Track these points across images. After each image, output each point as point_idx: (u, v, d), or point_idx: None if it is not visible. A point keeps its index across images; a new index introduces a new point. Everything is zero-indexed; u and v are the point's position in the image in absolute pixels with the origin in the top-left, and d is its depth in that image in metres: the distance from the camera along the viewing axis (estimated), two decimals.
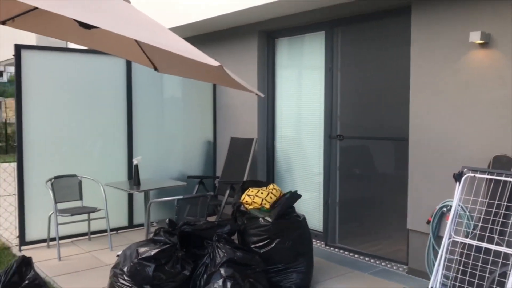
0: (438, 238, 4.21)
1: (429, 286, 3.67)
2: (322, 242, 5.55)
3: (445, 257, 3.68)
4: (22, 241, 5.34)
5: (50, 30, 4.22)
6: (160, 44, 2.48)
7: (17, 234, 5.36)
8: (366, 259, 5.05)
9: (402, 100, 4.68)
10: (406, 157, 4.60)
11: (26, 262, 2.69)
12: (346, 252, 5.27)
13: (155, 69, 4.45)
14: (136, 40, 4.06)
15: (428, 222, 4.29)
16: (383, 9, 4.81)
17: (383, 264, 4.89)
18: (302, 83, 5.89)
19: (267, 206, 4.20)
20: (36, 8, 3.75)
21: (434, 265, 3.88)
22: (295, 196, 4.27)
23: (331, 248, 5.43)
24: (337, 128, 5.42)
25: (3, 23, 3.96)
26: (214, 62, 2.59)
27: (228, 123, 6.75)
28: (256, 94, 3.70)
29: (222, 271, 3.47)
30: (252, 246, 4.02)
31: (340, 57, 5.37)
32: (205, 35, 6.92)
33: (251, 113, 6.29)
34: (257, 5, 5.16)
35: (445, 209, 4.18)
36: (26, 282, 2.65)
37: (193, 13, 6.06)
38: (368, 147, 5.17)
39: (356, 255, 5.16)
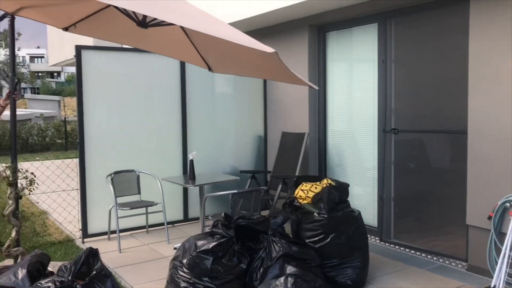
0: (500, 235, 4.06)
1: (492, 285, 3.56)
2: (377, 238, 5.48)
3: (509, 255, 3.55)
4: (85, 233, 5.60)
5: (108, 34, 4.40)
6: (218, 34, 2.53)
7: (80, 227, 5.62)
8: (423, 255, 4.94)
9: (460, 91, 4.53)
10: (465, 150, 4.45)
11: (94, 254, 2.83)
12: (401, 248, 5.18)
13: (209, 69, 4.52)
14: (191, 41, 4.15)
15: (489, 217, 4.14)
16: None
17: (440, 260, 4.77)
18: (354, 76, 5.82)
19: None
20: (95, 13, 3.92)
21: (496, 262, 3.76)
22: (340, 188, 4.21)
23: (386, 244, 5.35)
24: (391, 122, 5.32)
25: (66, 29, 4.16)
26: (269, 49, 2.61)
27: (279, 118, 6.78)
28: (310, 87, 3.70)
29: (278, 265, 3.51)
30: (307, 241, 4.03)
31: (394, 49, 5.26)
32: (254, 31, 6.96)
33: (302, 108, 6.28)
34: None
35: (508, 204, 4.02)
36: (94, 272, 2.78)
37: (243, 9, 6.11)
38: (424, 141, 5.04)
39: (412, 251, 5.06)
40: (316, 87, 3.75)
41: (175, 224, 6.24)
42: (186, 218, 6.35)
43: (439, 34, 4.80)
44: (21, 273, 2.90)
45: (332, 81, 6.10)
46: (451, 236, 4.80)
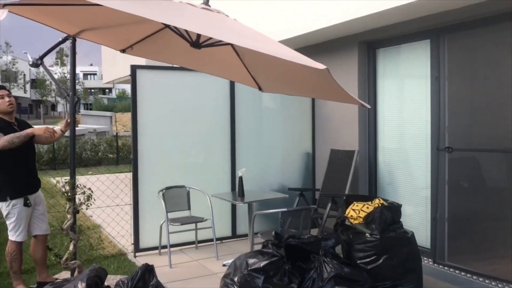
0: None
1: None
2: (430, 259, 5.31)
3: None
4: (137, 248, 5.73)
5: (163, 55, 4.55)
6: (271, 52, 2.56)
7: (132, 241, 5.76)
8: (480, 279, 4.74)
9: None
10: None
11: (149, 270, 2.90)
12: (456, 271, 4.99)
13: (259, 89, 4.57)
14: (242, 61, 4.22)
15: None
16: (493, 13, 4.53)
17: (499, 285, 4.55)
18: (406, 93, 5.72)
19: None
20: (151, 35, 4.06)
21: None
22: (393, 208, 4.12)
23: (440, 266, 5.17)
24: (445, 140, 5.17)
25: (123, 51, 4.34)
26: (320, 66, 2.61)
27: (327, 135, 6.73)
28: (362, 106, 3.66)
29: (329, 286, 3.46)
30: (358, 262, 3.96)
31: (448, 65, 5.14)
32: (302, 48, 6.99)
33: (352, 125, 6.22)
34: (359, 16, 5.11)
35: None
36: None
37: (292, 28, 6.16)
38: (479, 160, 4.87)
39: (468, 275, 4.86)
40: (368, 106, 3.71)
41: (223, 241, 6.29)
42: (234, 235, 6.39)
43: (494, 50, 4.65)
44: (81, 286, 3.00)
45: (383, 98, 6.02)
46: (510, 259, 4.58)
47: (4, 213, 4.27)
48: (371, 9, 4.93)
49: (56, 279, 4.58)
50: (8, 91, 4.44)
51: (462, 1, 4.52)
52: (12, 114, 4.41)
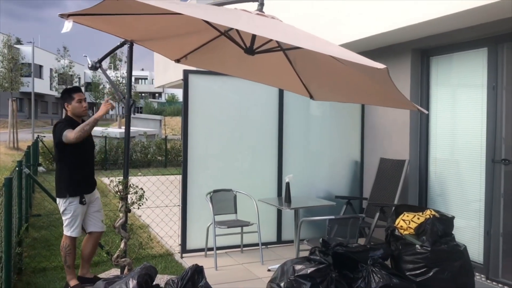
0: None
1: None
2: (483, 275, 5.11)
3: None
4: (184, 249, 5.83)
5: (216, 64, 4.64)
6: (329, 51, 2.55)
7: (180, 242, 5.87)
8: None
9: None
10: None
11: (199, 271, 2.95)
12: None
13: (311, 97, 4.56)
14: (294, 68, 4.23)
15: None
16: None
17: None
18: (460, 102, 5.55)
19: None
20: (205, 44, 4.16)
21: None
22: (445, 220, 4.00)
23: (494, 283, 4.97)
24: (501, 152, 4.98)
25: (178, 61, 4.47)
26: (379, 65, 2.55)
27: (377, 144, 6.63)
28: (420, 111, 3.58)
29: None
30: (408, 273, 3.87)
31: (506, 75, 4.95)
32: None
33: (403, 134, 6.10)
34: (414, 23, 5.02)
35: None
36: None
37: (345, 34, 6.12)
38: None
39: None
40: (426, 111, 3.63)
41: (268, 246, 6.30)
42: (280, 240, 6.38)
43: None
44: (132, 283, 3.10)
45: (436, 107, 5.87)
46: None
47: (61, 209, 4.47)
48: (427, 16, 4.83)
49: (95, 275, 4.73)
50: (84, 96, 4.65)
51: None
52: (83, 117, 4.64)
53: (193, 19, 3.58)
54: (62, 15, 3.16)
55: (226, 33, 3.67)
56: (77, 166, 4.48)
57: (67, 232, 4.47)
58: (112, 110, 4.54)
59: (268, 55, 4.02)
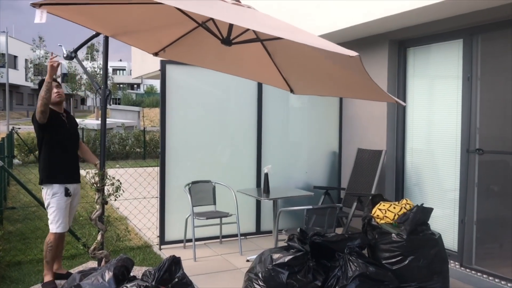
0: None
1: None
2: (457, 263, 5.22)
3: None
4: (162, 240, 5.81)
5: (194, 58, 4.59)
6: (303, 40, 2.52)
7: (158, 234, 5.85)
8: (509, 284, 4.63)
9: None
10: None
11: (176, 262, 2.94)
12: (484, 276, 4.89)
13: (291, 91, 4.55)
14: (273, 61, 4.21)
15: None
16: None
17: None
18: (436, 93, 5.62)
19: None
20: (182, 36, 4.10)
21: None
22: (425, 210, 4.08)
23: (467, 270, 5.08)
24: (475, 142, 5.07)
25: (156, 54, 4.41)
26: (352, 53, 2.52)
27: (354, 134, 6.68)
28: (397, 103, 3.62)
29: (354, 285, 3.45)
30: (384, 262, 3.93)
31: (480, 66, 5.03)
32: None
33: (380, 125, 6.16)
34: (390, 14, 5.05)
35: None
36: (176, 280, 2.89)
37: (322, 25, 6.13)
38: (511, 163, 4.76)
39: (496, 279, 4.76)
40: (403, 103, 3.66)
41: (247, 236, 6.32)
42: (258, 231, 6.41)
43: None
44: (108, 275, 3.07)
45: (412, 98, 5.94)
46: None
47: (46, 203, 4.36)
48: (403, 7, 4.87)
49: (67, 271, 4.66)
50: (58, 82, 4.52)
51: (496, 0, 4.42)
52: (60, 104, 4.50)
53: (169, 10, 3.53)
54: (34, 4, 3.08)
55: (204, 23, 3.63)
56: (55, 153, 4.37)
57: (53, 229, 4.32)
58: (56, 66, 4.10)
59: (247, 48, 3.99)
